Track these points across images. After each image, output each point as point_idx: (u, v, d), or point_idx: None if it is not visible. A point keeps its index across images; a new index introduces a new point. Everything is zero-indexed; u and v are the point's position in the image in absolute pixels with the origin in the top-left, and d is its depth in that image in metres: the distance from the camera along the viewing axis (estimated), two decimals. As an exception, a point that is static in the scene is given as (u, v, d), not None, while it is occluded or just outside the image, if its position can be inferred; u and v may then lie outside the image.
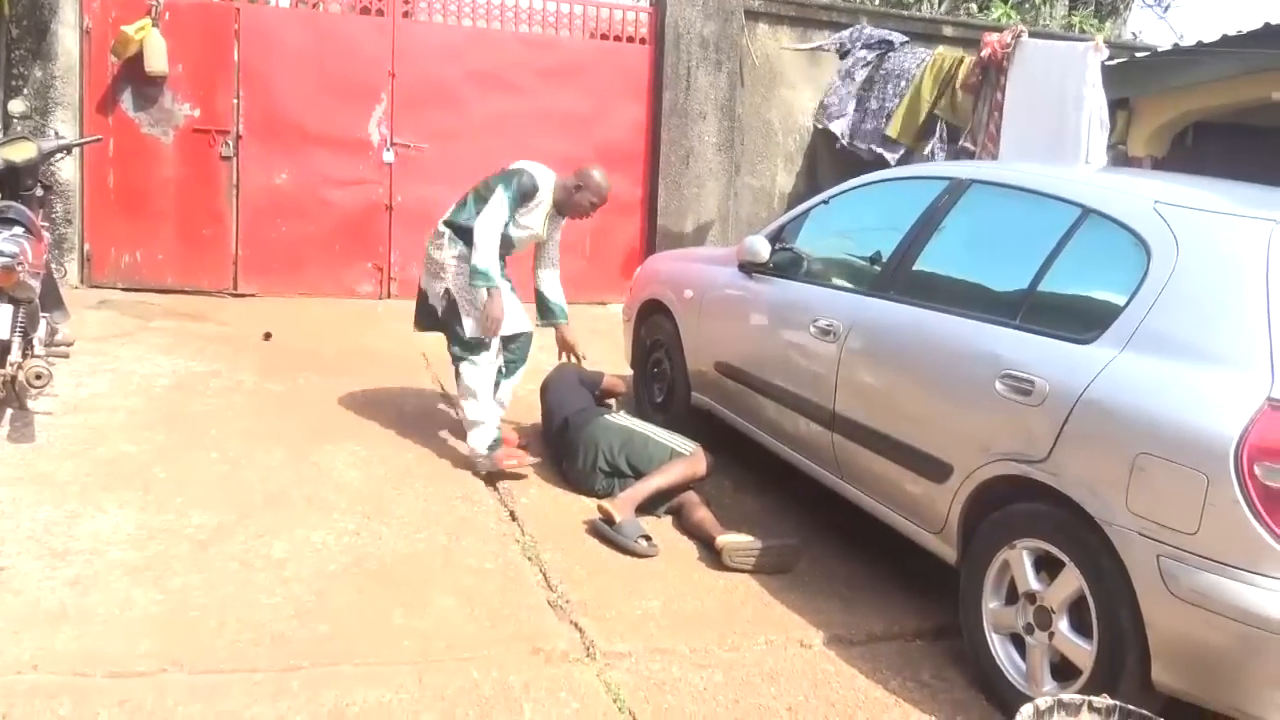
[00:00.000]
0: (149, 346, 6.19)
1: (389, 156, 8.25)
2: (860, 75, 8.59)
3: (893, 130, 8.36)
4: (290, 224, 8.09)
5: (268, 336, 6.70)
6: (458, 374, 4.60)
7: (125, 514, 3.79)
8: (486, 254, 4.36)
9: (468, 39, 8.40)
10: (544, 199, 4.60)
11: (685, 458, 4.32)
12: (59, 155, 6.05)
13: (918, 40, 8.79)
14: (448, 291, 4.56)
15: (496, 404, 4.66)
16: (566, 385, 4.82)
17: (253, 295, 8.01)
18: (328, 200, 8.17)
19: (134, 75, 7.57)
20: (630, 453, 4.37)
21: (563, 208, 4.70)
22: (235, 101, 7.84)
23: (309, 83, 7.99)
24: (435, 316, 4.68)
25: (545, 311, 4.92)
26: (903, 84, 8.32)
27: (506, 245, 4.60)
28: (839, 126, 8.88)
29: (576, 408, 4.66)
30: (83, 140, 6.90)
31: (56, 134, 7.02)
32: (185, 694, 2.72)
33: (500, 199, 4.42)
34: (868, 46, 8.58)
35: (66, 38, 7.44)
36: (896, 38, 8.57)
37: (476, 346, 4.54)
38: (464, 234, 4.50)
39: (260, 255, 8.06)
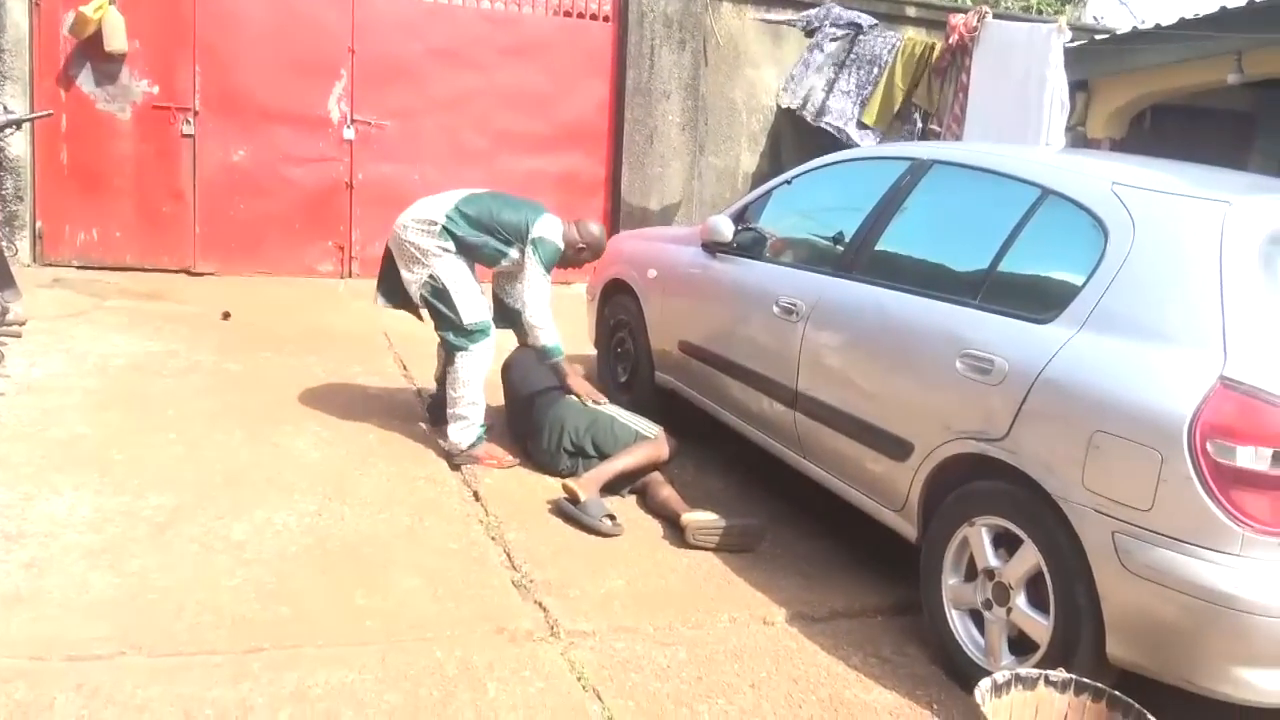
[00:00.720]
0: (105, 326, 6.10)
1: (349, 134, 8.16)
2: (830, 49, 8.59)
3: (869, 118, 8.40)
4: (249, 202, 7.99)
5: (226, 316, 6.62)
6: (451, 362, 4.50)
7: (81, 496, 3.74)
8: (552, 333, 4.49)
9: (428, 15, 8.30)
10: (560, 255, 4.61)
11: (650, 441, 4.33)
12: (8, 130, 5.92)
13: (882, 20, 8.80)
14: (434, 278, 4.43)
15: (484, 397, 4.56)
16: (530, 365, 4.80)
17: (211, 274, 7.91)
18: (288, 178, 8.07)
19: (89, 51, 7.43)
20: (595, 434, 4.37)
21: (563, 260, 4.66)
22: (194, 78, 7.71)
23: (268, 59, 7.88)
24: (404, 296, 4.58)
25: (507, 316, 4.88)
26: (875, 70, 8.35)
27: (492, 260, 4.56)
28: (803, 100, 8.88)
29: (541, 387, 4.64)
30: (33, 115, 6.76)
31: (5, 109, 6.86)
32: (144, 677, 2.69)
33: (541, 274, 4.47)
34: (836, 25, 8.59)
35: (15, 10, 7.27)
36: (865, 19, 8.59)
37: (476, 333, 4.46)
38: (455, 239, 4.43)
39: (219, 233, 7.95)
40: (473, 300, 4.48)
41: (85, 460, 4.06)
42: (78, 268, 7.61)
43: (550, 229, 4.51)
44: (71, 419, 4.49)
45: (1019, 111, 7.19)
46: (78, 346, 5.57)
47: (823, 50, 8.63)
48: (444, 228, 4.43)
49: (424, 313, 4.63)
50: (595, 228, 4.75)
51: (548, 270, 4.51)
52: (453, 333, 4.47)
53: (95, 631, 2.87)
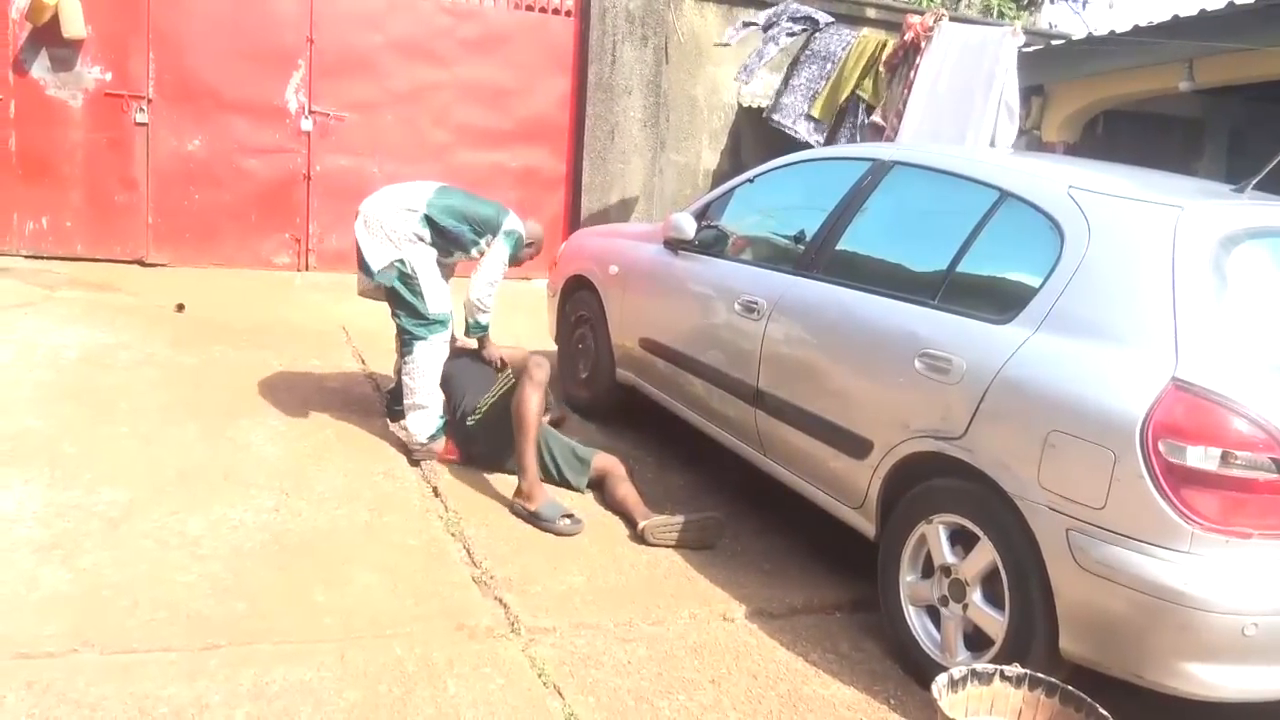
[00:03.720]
0: (55, 317, 5.97)
1: (307, 125, 8.05)
2: (784, 43, 8.59)
3: (816, 110, 8.42)
4: (204, 192, 7.86)
5: (180, 308, 6.52)
6: (409, 351, 4.48)
7: (31, 491, 3.67)
8: (488, 311, 4.60)
9: (389, 5, 8.21)
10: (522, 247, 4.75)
11: (516, 392, 4.16)
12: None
13: (842, 20, 8.85)
14: (403, 263, 4.40)
15: (441, 389, 4.54)
16: (459, 372, 4.68)
17: (164, 265, 7.77)
18: (243, 169, 7.95)
19: (43, 36, 7.26)
20: (494, 435, 4.31)
21: (517, 258, 4.77)
22: (148, 65, 7.58)
23: (224, 47, 7.75)
24: (375, 270, 4.45)
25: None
26: (829, 66, 8.38)
27: (463, 249, 4.59)
28: (756, 88, 8.91)
29: (460, 402, 4.52)
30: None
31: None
32: (97, 674, 2.65)
33: (502, 257, 4.58)
34: (793, 20, 8.61)
35: (-39, -7, 7.10)
36: (822, 17, 8.62)
37: (436, 324, 4.46)
38: (435, 228, 4.44)
39: (172, 224, 7.82)
40: (439, 290, 4.49)
41: (35, 454, 3.99)
42: (26, 257, 7.44)
43: (518, 224, 4.65)
44: (21, 411, 4.40)
45: (962, 111, 7.26)
46: (27, 337, 5.45)
47: (777, 44, 8.62)
48: (425, 215, 4.43)
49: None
50: (538, 226, 4.89)
51: (511, 258, 4.63)
52: (413, 321, 4.45)
53: (46, 628, 2.82)
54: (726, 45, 8.78)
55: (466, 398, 4.50)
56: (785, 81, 8.63)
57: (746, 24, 8.66)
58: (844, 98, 8.32)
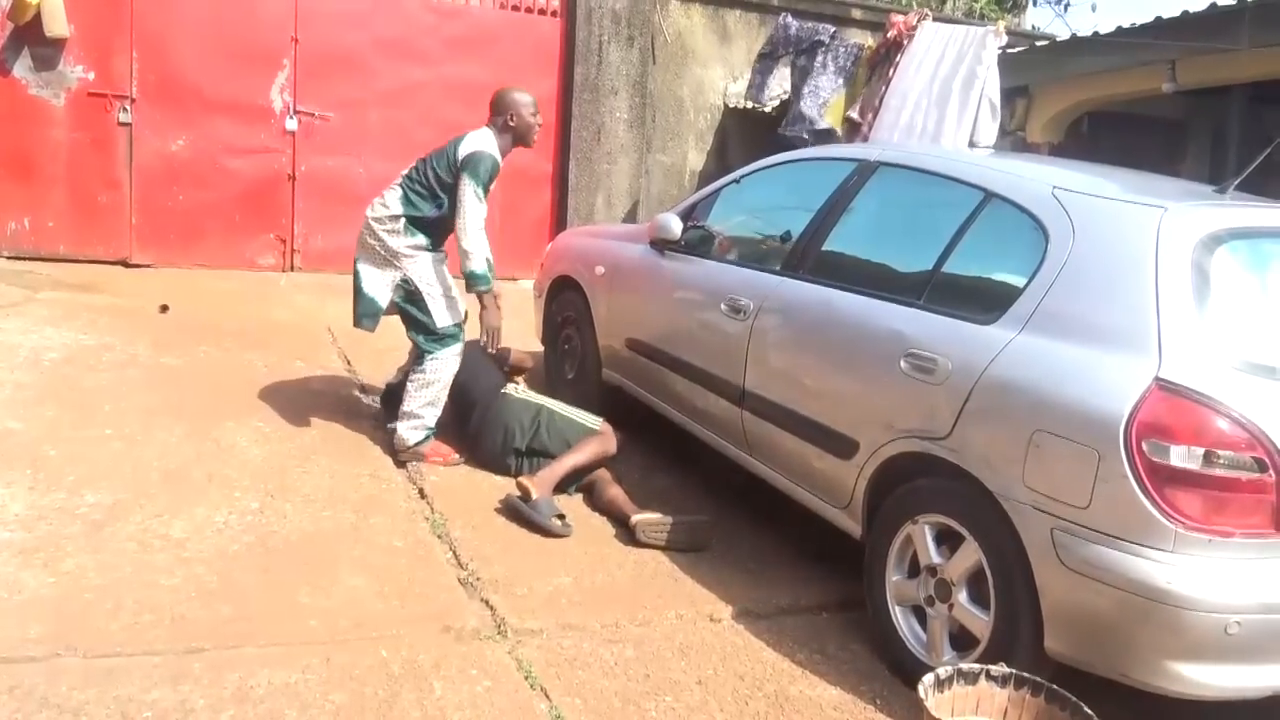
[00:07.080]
0: (37, 318, 5.93)
1: (292, 124, 8.01)
2: (800, 81, 8.63)
3: (829, 119, 8.41)
4: (188, 192, 7.81)
5: (164, 309, 6.48)
6: (420, 364, 4.42)
7: (12, 493, 3.64)
8: (481, 259, 4.28)
9: (374, 4, 8.18)
10: (499, 164, 4.41)
11: (597, 435, 4.33)
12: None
13: (828, 23, 8.85)
14: (408, 280, 4.35)
15: (443, 400, 4.49)
16: (474, 362, 4.76)
17: (148, 266, 7.72)
18: (228, 169, 7.90)
19: (25, 35, 7.19)
20: (540, 431, 4.35)
21: (507, 149, 4.52)
22: (131, 65, 7.53)
23: (208, 47, 7.70)
24: (379, 305, 4.43)
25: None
26: (840, 80, 8.39)
27: (443, 222, 4.40)
28: (742, 88, 8.99)
29: (483, 388, 4.60)
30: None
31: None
32: (80, 679, 2.63)
33: (474, 196, 4.25)
34: (799, 51, 8.62)
35: (-58, -8, 7.04)
36: (823, 33, 8.59)
37: (447, 338, 4.41)
38: (421, 224, 4.37)
39: (156, 225, 7.76)
40: (446, 303, 4.40)
41: (17, 456, 3.95)
42: (8, 258, 7.37)
43: (476, 142, 4.34)
44: (2, 414, 4.36)
45: (940, 109, 7.28)
46: (9, 339, 5.41)
47: (804, 89, 8.60)
48: (407, 220, 4.34)
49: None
50: (514, 94, 4.64)
51: (486, 188, 4.30)
52: (424, 336, 4.41)
53: (28, 632, 2.80)
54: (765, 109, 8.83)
55: (478, 386, 4.58)
56: (798, 95, 8.59)
57: (761, 58, 8.71)
58: (848, 108, 8.34)
